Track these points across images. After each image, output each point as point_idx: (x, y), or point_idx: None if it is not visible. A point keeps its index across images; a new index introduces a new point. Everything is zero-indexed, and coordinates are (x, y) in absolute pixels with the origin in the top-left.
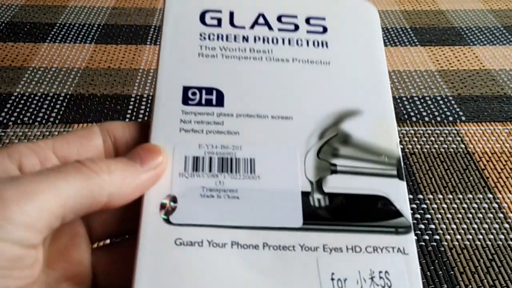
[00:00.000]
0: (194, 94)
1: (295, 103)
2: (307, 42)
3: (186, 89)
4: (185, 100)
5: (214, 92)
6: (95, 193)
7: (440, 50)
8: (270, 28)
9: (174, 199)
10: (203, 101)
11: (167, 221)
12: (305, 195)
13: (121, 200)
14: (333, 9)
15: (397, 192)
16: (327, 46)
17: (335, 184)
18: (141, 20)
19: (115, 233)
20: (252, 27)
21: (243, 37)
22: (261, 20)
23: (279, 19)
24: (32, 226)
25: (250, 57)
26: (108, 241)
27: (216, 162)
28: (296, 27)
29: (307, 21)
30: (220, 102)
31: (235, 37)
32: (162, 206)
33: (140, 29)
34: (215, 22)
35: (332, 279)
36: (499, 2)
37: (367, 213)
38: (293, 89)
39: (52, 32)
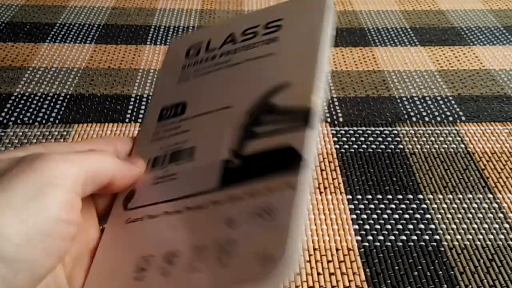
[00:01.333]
0: (167, 111)
1: (237, 94)
2: (261, 42)
3: (162, 110)
4: (160, 118)
5: (180, 105)
6: (102, 171)
7: (440, 50)
8: (234, 42)
9: (132, 191)
10: (172, 114)
11: (125, 207)
12: (225, 162)
13: (119, 182)
14: (291, 9)
15: (302, 139)
16: (277, 40)
17: (252, 147)
18: (141, 20)
19: None
20: (221, 46)
21: (212, 57)
22: (229, 39)
23: (243, 32)
24: (75, 180)
25: (214, 70)
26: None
27: (168, 157)
28: (255, 34)
29: (266, 26)
30: (182, 111)
31: (206, 58)
32: (125, 198)
33: (140, 29)
34: (195, 52)
35: (228, 221)
36: (499, 2)
37: (271, 164)
38: (238, 84)
39: (52, 32)
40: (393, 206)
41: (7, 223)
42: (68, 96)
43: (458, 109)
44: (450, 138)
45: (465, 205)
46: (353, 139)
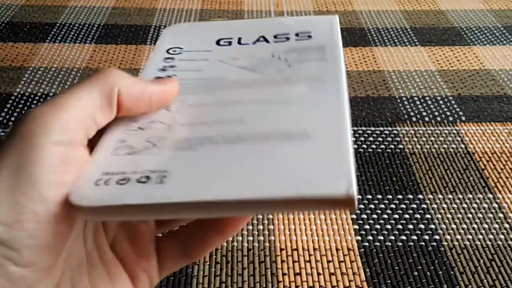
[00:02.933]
0: None
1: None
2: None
3: None
4: None
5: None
6: (109, 91)
7: (440, 50)
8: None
9: None
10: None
11: None
12: None
13: (128, 97)
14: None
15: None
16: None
17: None
18: (141, 20)
19: None
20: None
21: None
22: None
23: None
24: (66, 128)
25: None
26: None
27: None
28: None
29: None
30: None
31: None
32: None
33: (140, 29)
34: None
35: None
36: (499, 2)
37: None
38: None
39: (52, 32)
40: (393, 206)
41: None
42: None
43: (458, 109)
44: (450, 138)
45: (465, 205)
46: (353, 139)
